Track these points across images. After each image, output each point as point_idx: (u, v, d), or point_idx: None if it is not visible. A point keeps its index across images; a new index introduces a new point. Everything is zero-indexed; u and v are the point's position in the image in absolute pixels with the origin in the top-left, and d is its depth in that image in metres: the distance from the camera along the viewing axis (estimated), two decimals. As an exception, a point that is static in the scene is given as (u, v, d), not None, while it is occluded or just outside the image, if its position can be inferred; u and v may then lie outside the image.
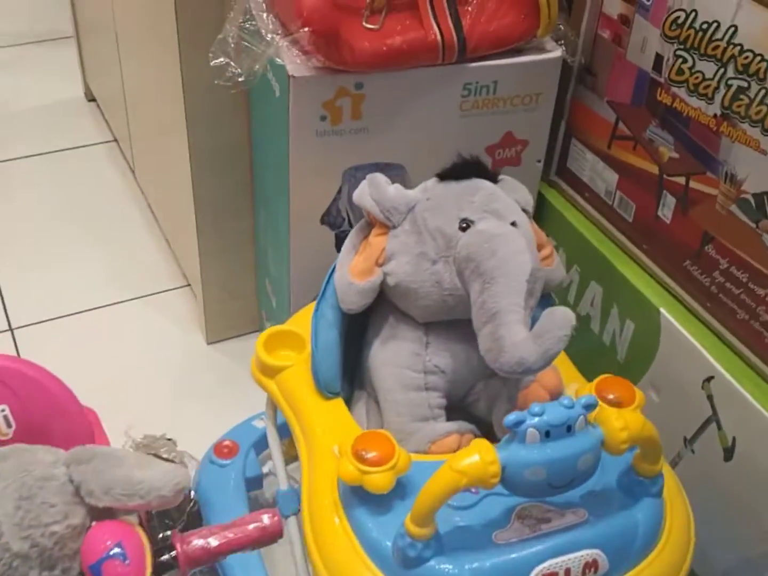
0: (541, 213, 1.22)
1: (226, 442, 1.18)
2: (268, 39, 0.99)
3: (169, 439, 1.10)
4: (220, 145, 1.25)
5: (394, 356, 0.93)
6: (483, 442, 0.75)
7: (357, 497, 0.82)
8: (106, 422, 1.30)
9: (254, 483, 1.18)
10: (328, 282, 0.94)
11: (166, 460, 1.05)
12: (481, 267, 0.84)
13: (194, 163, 1.26)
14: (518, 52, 1.06)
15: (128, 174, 1.77)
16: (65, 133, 1.90)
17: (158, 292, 1.56)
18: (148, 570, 0.58)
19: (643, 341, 1.08)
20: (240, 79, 0.99)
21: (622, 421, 0.76)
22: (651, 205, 1.06)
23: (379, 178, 0.90)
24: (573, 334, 0.80)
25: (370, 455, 0.81)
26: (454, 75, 1.04)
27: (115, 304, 1.54)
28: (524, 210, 0.94)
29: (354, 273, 0.90)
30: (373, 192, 0.90)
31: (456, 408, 0.95)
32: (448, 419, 0.94)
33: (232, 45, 0.99)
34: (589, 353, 1.19)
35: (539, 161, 1.16)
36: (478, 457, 0.73)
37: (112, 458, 0.63)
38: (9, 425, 0.85)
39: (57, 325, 1.49)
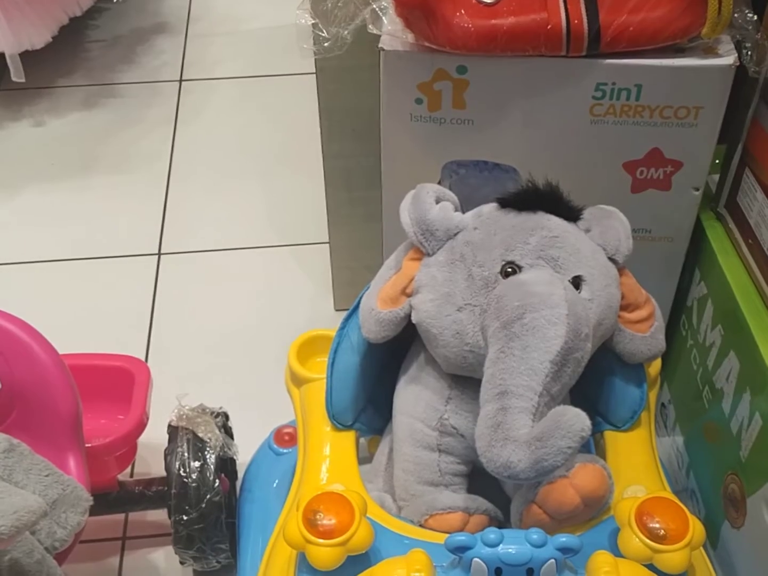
0: (696, 251, 0.98)
1: (288, 429, 1.09)
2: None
3: (218, 415, 1.03)
4: (352, 107, 1.13)
5: (410, 404, 0.78)
6: (420, 558, 0.60)
7: (308, 563, 0.70)
8: (208, 366, 1.29)
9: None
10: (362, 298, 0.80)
11: (200, 439, 0.99)
12: (503, 330, 0.67)
13: (324, 124, 1.15)
14: (677, 52, 0.83)
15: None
16: (280, 59, 1.85)
17: (307, 244, 1.49)
18: None
19: (769, 445, 0.84)
20: (325, 45, 0.86)
21: (613, 577, 0.58)
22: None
23: (426, 191, 0.74)
24: (577, 446, 0.62)
25: (325, 521, 0.69)
26: (584, 71, 0.84)
27: (262, 247, 1.49)
28: (611, 259, 0.74)
29: (380, 298, 0.76)
30: (412, 207, 0.74)
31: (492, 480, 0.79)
32: (476, 491, 0.78)
33: (328, 3, 0.86)
34: (711, 436, 0.96)
35: (697, 189, 0.92)
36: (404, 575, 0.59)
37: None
38: (-6, 383, 0.82)
39: (201, 258, 1.47)
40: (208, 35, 1.96)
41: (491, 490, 0.79)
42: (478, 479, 0.80)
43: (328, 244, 1.38)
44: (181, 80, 1.85)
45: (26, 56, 1.66)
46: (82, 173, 1.64)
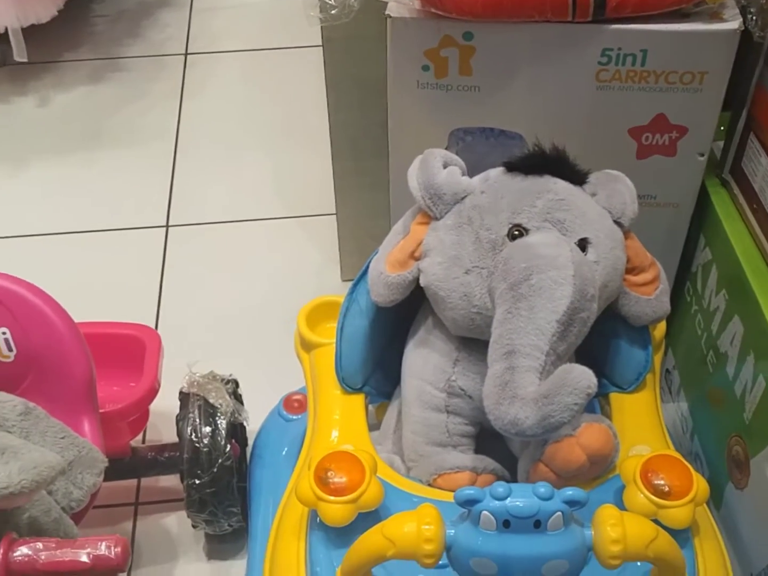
0: (701, 216, 0.99)
1: (297, 396, 1.11)
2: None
3: (228, 382, 1.04)
4: (359, 77, 1.13)
5: (419, 366, 0.79)
6: (430, 512, 0.61)
7: (319, 520, 0.72)
8: (216, 335, 1.31)
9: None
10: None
11: (211, 405, 1.00)
12: (510, 291, 0.68)
13: (331, 95, 1.15)
14: (682, 17, 0.83)
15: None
16: (285, 32, 1.86)
17: (314, 215, 1.49)
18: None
19: (772, 406, 0.85)
20: (332, 12, 0.86)
21: (618, 529, 0.59)
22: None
23: (434, 156, 0.75)
24: (584, 403, 0.63)
25: (336, 479, 0.70)
26: (590, 37, 0.84)
27: (268, 219, 1.50)
28: (617, 222, 0.75)
29: (388, 261, 0.77)
30: (420, 172, 0.75)
31: (499, 440, 0.80)
32: (483, 451, 0.80)
33: (332, -30, 0.86)
34: (715, 400, 0.98)
35: (702, 155, 0.93)
36: (414, 528, 0.60)
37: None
38: (10, 349, 0.83)
39: (209, 229, 1.48)
40: (213, 8, 1.96)
41: (498, 450, 0.80)
42: (486, 440, 0.81)
43: (334, 215, 1.39)
44: (186, 54, 1.85)
45: (32, 30, 1.66)
46: (88, 147, 1.64)
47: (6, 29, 1.60)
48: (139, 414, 1.01)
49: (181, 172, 1.58)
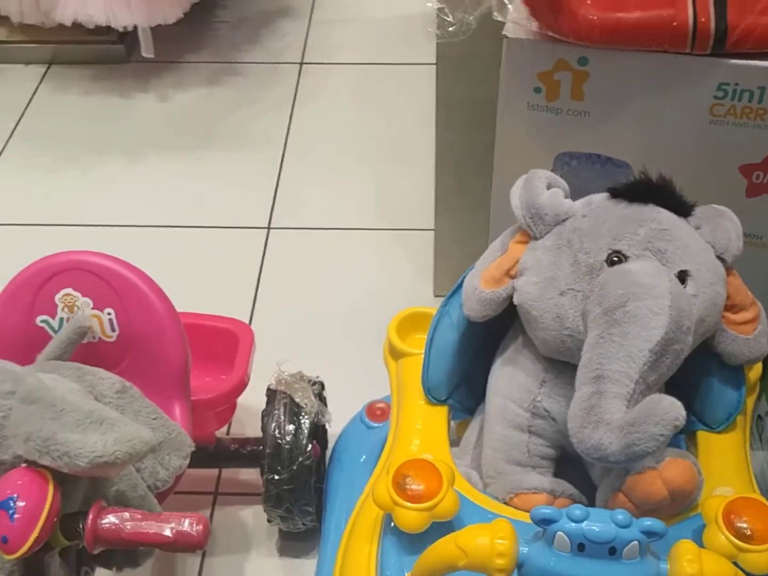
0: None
1: (381, 404, 1.12)
2: (493, -13, 0.86)
3: (315, 384, 1.06)
4: (469, 96, 1.14)
5: (505, 384, 0.80)
6: (505, 527, 0.61)
7: (394, 525, 0.73)
8: (307, 337, 1.33)
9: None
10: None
11: (296, 404, 1.02)
12: (604, 316, 0.68)
13: (440, 112, 1.16)
14: (805, 56, 0.82)
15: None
16: (400, 48, 1.88)
17: (412, 229, 1.51)
18: (33, 536, 0.55)
19: None
20: (450, 29, 0.88)
21: (696, 566, 0.59)
22: None
23: (538, 176, 0.76)
24: (670, 435, 0.62)
25: (414, 486, 0.71)
26: (707, 70, 0.83)
27: (366, 229, 1.52)
28: (720, 257, 0.74)
29: (482, 277, 0.77)
30: (523, 191, 0.76)
31: (578, 463, 0.80)
32: (562, 476, 0.79)
33: (455, -12, 0.88)
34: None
35: (813, 199, 0.91)
36: (488, 541, 0.60)
37: (53, 408, 0.60)
38: (113, 329, 0.87)
39: (308, 234, 1.52)
40: (331, 21, 2.00)
41: (577, 476, 0.79)
42: (565, 465, 0.81)
43: (432, 231, 1.40)
44: (301, 63, 1.89)
45: (157, 31, 1.73)
46: (201, 146, 1.70)
47: (135, 27, 1.67)
48: (226, 406, 1.04)
49: (287, 177, 1.62)
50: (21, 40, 1.86)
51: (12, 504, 0.55)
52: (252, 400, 1.12)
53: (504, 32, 0.87)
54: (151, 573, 1.05)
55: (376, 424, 1.11)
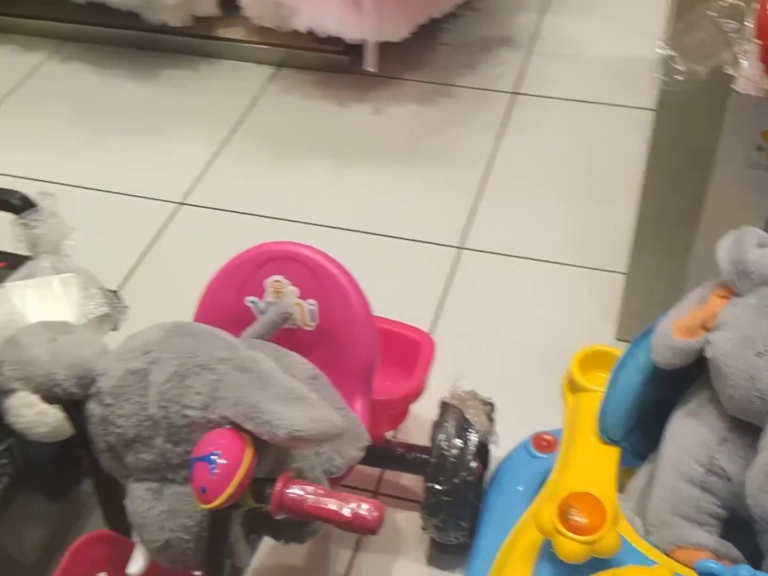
0: None
1: (548, 436, 1.13)
2: (730, 38, 0.86)
3: (487, 404, 1.09)
4: (684, 146, 1.14)
5: (684, 436, 0.79)
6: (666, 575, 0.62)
7: (551, 552, 0.74)
8: (482, 358, 1.36)
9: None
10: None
11: (467, 420, 1.05)
12: (801, 384, 0.67)
13: (652, 158, 1.17)
14: None
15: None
16: (617, 89, 1.88)
17: (601, 270, 1.51)
18: (228, 491, 0.61)
19: None
20: (677, 77, 0.88)
21: None
22: None
23: (750, 234, 0.75)
24: None
25: (577, 518, 0.73)
26: None
27: (554, 263, 1.53)
28: None
29: (676, 326, 0.78)
30: (732, 247, 0.75)
31: (746, 530, 0.78)
32: (728, 539, 0.78)
33: (690, 38, 0.88)
34: None
35: None
36: (647, 587, 0.61)
37: (261, 380, 0.65)
38: (313, 319, 0.93)
39: (497, 260, 1.54)
40: (551, 54, 2.02)
41: (744, 542, 0.78)
42: (733, 528, 0.79)
43: (621, 274, 1.40)
44: (514, 92, 1.93)
45: (382, 46, 1.82)
46: (406, 159, 1.76)
47: (363, 41, 1.76)
48: (401, 410, 1.08)
49: (485, 201, 1.66)
50: (256, 41, 1.99)
51: (214, 459, 0.61)
52: (421, 409, 1.16)
53: (734, 86, 0.86)
54: (307, 552, 1.11)
55: (540, 455, 1.12)
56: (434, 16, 1.91)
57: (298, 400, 0.65)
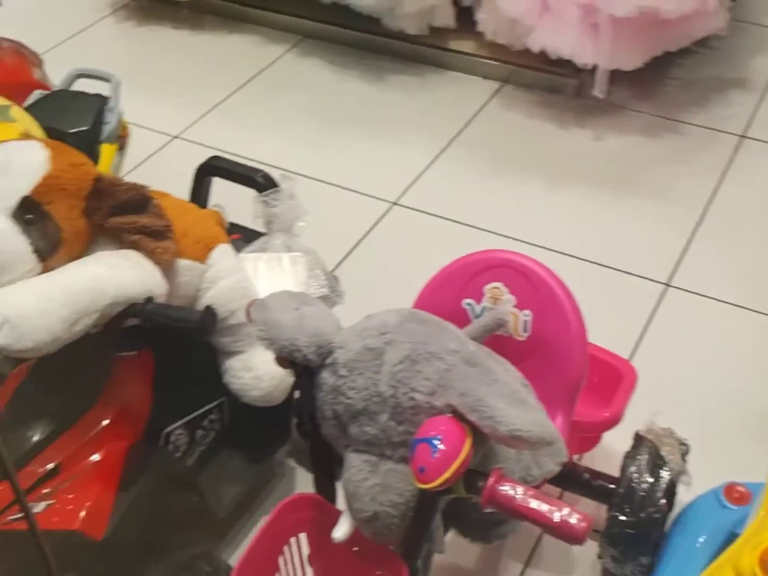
0: None
1: (741, 488, 1.09)
2: None
3: (683, 445, 1.07)
4: None
5: None
6: None
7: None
8: (679, 397, 1.34)
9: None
10: None
11: (661, 457, 1.03)
12: None
13: None
14: None
15: None
16: None
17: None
18: (446, 475, 0.62)
19: None
20: None
21: None
22: None
23: None
24: None
25: (779, 572, 0.70)
26: None
27: (764, 314, 1.48)
28: None
29: None
30: None
31: None
32: None
33: None
34: None
35: None
36: None
37: (488, 376, 0.67)
38: (525, 330, 0.94)
39: (704, 303, 1.51)
40: (787, 101, 1.95)
41: None
42: None
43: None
44: (742, 136, 1.87)
45: (611, 74, 1.81)
46: (621, 189, 1.75)
47: (595, 66, 1.76)
48: (594, 435, 1.07)
49: (698, 242, 1.62)
50: (485, 56, 2.03)
51: (435, 443, 0.63)
52: (609, 438, 1.15)
53: None
54: (478, 559, 1.12)
55: (731, 506, 1.08)
56: (669, 49, 1.89)
57: (521, 402, 0.67)
